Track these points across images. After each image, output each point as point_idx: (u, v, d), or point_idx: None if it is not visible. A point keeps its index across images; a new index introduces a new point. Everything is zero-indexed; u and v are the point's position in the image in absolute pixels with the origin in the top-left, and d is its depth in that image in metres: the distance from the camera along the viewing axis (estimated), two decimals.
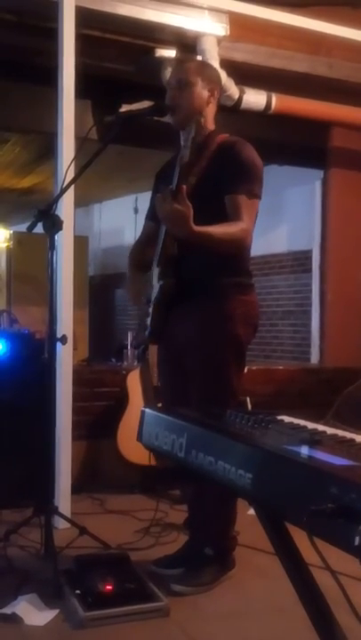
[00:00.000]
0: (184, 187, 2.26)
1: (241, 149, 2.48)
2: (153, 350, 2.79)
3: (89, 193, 7.61)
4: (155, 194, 2.76)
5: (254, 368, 4.52)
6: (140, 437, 1.63)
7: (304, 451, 1.17)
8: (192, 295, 2.48)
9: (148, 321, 2.55)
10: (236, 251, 2.47)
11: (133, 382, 3.88)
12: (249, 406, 4.01)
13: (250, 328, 2.56)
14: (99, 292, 8.04)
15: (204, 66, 2.71)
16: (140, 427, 1.63)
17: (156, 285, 2.51)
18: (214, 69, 2.78)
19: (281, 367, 4.91)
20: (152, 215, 2.74)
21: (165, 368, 2.70)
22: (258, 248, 6.32)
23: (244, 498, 1.27)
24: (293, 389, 4.48)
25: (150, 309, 2.54)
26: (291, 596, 1.43)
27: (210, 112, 2.59)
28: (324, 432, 1.37)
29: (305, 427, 1.43)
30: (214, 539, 2.62)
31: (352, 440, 1.30)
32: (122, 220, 8.13)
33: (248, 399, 4.05)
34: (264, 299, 6.36)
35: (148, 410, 1.63)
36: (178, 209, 2.20)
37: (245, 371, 4.27)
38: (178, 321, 2.51)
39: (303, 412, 1.61)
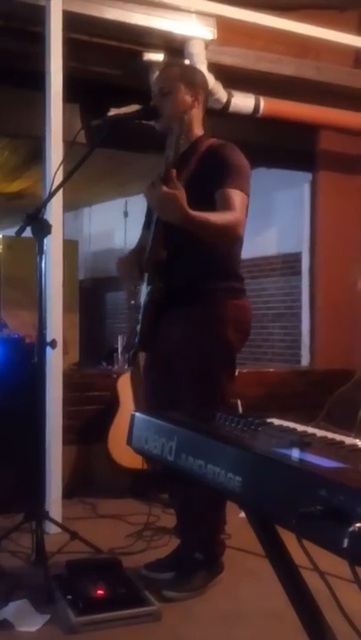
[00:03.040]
0: (174, 171, 2.25)
1: (228, 151, 2.47)
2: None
3: (78, 197, 7.60)
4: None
5: (245, 371, 4.52)
6: (129, 441, 1.62)
7: (293, 453, 1.17)
8: (182, 300, 2.46)
9: (138, 328, 2.53)
10: (229, 240, 2.42)
11: (124, 386, 3.88)
12: (240, 409, 4.02)
13: (241, 333, 2.54)
14: (89, 296, 8.03)
15: (187, 70, 2.70)
16: (129, 430, 1.62)
17: (145, 289, 2.49)
18: (198, 73, 2.77)
19: (272, 370, 4.93)
20: (146, 222, 2.70)
21: (153, 372, 2.68)
22: (247, 250, 6.31)
23: (234, 501, 1.27)
24: (284, 392, 4.48)
25: (140, 316, 2.52)
26: (282, 599, 1.43)
27: (195, 116, 2.57)
28: (314, 434, 1.37)
29: (294, 429, 1.43)
30: (203, 543, 2.62)
31: (341, 442, 1.30)
32: (112, 223, 8.12)
33: (239, 402, 4.05)
34: (254, 301, 6.34)
35: (137, 414, 1.62)
36: (169, 191, 2.19)
37: (236, 373, 4.32)
38: (168, 325, 2.49)
39: (294, 415, 1.62)
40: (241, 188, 2.40)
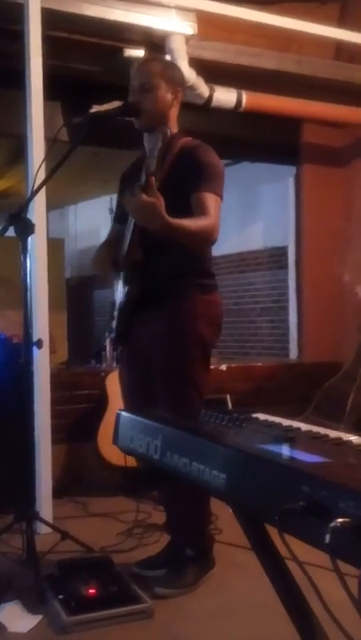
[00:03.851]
0: (153, 178, 2.27)
1: (203, 153, 2.49)
2: None
3: (63, 195, 7.57)
4: (121, 195, 2.77)
5: (233, 365, 4.53)
6: (115, 440, 1.62)
7: (277, 449, 1.17)
8: (156, 298, 2.49)
9: (114, 324, 2.57)
10: (204, 244, 2.48)
11: (113, 384, 3.87)
12: (229, 404, 4.02)
13: (213, 327, 2.57)
14: (76, 294, 8.00)
15: (167, 67, 2.69)
16: (115, 429, 1.62)
17: (121, 290, 2.52)
18: (178, 70, 2.77)
19: (260, 363, 4.94)
20: (119, 217, 2.74)
21: (130, 370, 2.70)
22: (234, 245, 6.38)
23: (219, 498, 1.27)
24: (273, 385, 4.50)
25: (115, 313, 2.56)
26: (273, 592, 1.43)
27: (173, 114, 2.58)
28: (299, 429, 1.37)
29: (280, 424, 1.43)
30: (192, 539, 2.63)
31: (326, 436, 1.30)
32: (97, 220, 8.09)
33: (228, 396, 4.06)
34: (242, 296, 6.39)
35: (122, 412, 1.62)
36: (149, 200, 2.21)
37: (225, 368, 4.34)
38: (142, 323, 2.52)
39: (283, 408, 1.62)
40: (215, 191, 2.44)
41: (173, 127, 2.59)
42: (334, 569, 0.87)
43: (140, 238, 2.46)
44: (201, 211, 2.40)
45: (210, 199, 2.41)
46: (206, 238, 2.42)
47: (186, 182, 2.43)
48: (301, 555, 1.05)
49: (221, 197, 2.47)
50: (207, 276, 2.59)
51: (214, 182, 2.45)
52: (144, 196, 2.21)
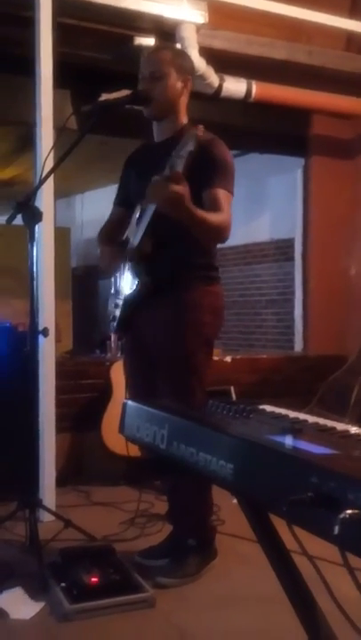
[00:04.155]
0: (179, 171, 2.27)
1: (217, 148, 2.49)
2: None
3: (71, 184, 7.55)
4: (125, 180, 2.77)
5: (238, 357, 4.53)
6: (121, 429, 1.62)
7: (285, 440, 1.17)
8: (162, 289, 2.50)
9: (117, 312, 2.58)
10: (218, 240, 2.52)
11: (117, 374, 3.87)
12: (233, 396, 4.02)
13: (216, 318, 2.59)
14: (82, 284, 7.98)
15: (178, 56, 2.67)
16: (121, 418, 1.62)
17: (132, 282, 2.52)
18: (188, 59, 2.76)
19: (265, 356, 4.93)
20: (121, 200, 2.78)
21: (134, 359, 2.70)
22: (240, 237, 6.35)
23: (226, 489, 1.27)
24: (278, 378, 4.49)
25: (120, 302, 2.56)
26: (275, 584, 1.43)
27: (183, 103, 2.57)
28: (306, 421, 1.36)
29: (286, 416, 1.43)
30: (194, 529, 2.64)
31: (333, 428, 1.30)
32: (104, 210, 7.94)
33: (232, 388, 4.06)
34: (247, 288, 6.37)
35: (129, 402, 1.62)
36: (177, 189, 2.21)
37: (229, 360, 4.33)
38: (146, 313, 2.53)
39: (288, 401, 1.61)
40: (227, 188, 2.45)
41: (183, 117, 2.58)
42: (343, 561, 0.86)
43: (150, 231, 2.45)
44: (214, 207, 2.40)
45: (223, 196, 2.43)
46: (221, 234, 2.44)
47: (199, 177, 2.41)
48: (308, 548, 1.05)
49: (233, 194, 2.48)
50: (212, 269, 2.62)
51: (227, 179, 2.46)
52: (174, 185, 2.21)
